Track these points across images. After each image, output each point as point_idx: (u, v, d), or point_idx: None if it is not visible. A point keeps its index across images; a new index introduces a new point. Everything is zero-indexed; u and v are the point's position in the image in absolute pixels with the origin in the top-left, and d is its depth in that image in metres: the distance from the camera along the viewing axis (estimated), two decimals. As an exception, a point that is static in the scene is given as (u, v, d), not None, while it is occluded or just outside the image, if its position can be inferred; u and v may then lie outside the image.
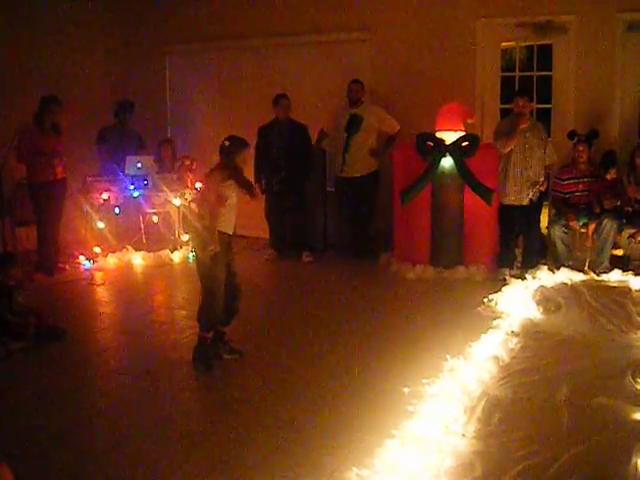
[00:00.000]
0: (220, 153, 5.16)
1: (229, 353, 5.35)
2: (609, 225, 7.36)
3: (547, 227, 7.76)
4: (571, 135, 7.61)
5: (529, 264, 7.46)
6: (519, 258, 7.63)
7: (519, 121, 7.19)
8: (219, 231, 5.08)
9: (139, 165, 8.59)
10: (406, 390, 4.50)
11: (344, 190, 8.61)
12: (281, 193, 8.57)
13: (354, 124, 8.29)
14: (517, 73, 8.64)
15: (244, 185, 5.15)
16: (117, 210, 8.65)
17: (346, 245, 8.81)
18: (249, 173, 5.71)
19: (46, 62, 9.17)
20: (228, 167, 5.09)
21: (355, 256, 8.53)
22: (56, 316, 6.19)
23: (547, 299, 6.45)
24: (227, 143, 5.13)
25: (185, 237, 8.89)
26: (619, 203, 7.52)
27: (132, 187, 8.48)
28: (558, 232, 7.53)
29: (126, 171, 8.55)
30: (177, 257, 8.66)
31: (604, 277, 7.23)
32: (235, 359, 5.32)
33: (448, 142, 7.58)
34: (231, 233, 5.25)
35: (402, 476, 3.40)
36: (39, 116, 7.68)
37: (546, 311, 6.22)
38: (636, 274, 7.13)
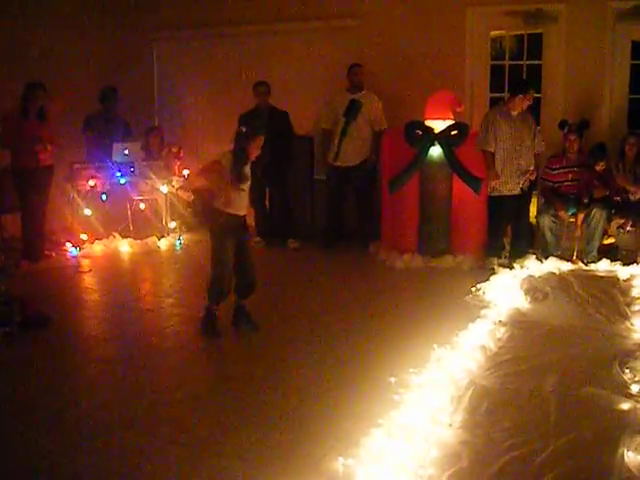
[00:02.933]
0: (236, 139, 5.28)
1: (247, 324, 5.61)
2: (598, 215, 7.36)
3: (536, 216, 7.76)
4: (562, 125, 7.59)
5: (517, 253, 7.46)
6: (507, 247, 7.63)
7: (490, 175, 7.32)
8: (229, 213, 5.30)
9: (126, 152, 8.54)
10: (393, 379, 4.47)
11: (340, 180, 8.44)
12: (265, 180, 8.49)
13: (353, 110, 8.17)
14: (507, 62, 8.61)
15: (233, 176, 5.27)
16: (104, 197, 8.56)
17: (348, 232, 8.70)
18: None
19: (32, 48, 9.04)
20: (240, 153, 5.26)
21: (365, 244, 8.34)
22: (41, 303, 6.12)
23: (535, 288, 6.45)
24: (244, 129, 5.27)
25: (172, 224, 8.85)
26: (608, 193, 7.52)
27: (119, 174, 8.43)
28: (547, 221, 7.52)
29: (113, 158, 8.49)
30: (164, 244, 8.62)
31: (592, 267, 7.25)
32: (249, 330, 5.57)
33: (437, 130, 7.54)
34: (242, 214, 5.44)
35: (388, 466, 3.37)
36: (24, 102, 7.58)
37: (534, 301, 6.21)
38: (624, 264, 7.14)
